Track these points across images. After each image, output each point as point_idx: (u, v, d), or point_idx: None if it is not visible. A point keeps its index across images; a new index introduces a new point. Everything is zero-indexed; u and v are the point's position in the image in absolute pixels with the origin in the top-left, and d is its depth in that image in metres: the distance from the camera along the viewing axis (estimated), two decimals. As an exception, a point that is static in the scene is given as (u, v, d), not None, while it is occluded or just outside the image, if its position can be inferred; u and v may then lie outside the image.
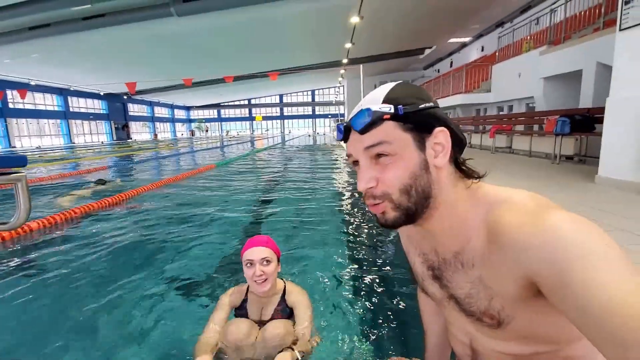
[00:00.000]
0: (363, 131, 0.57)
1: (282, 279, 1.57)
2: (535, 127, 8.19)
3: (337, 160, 9.75)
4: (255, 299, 1.48)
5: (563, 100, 8.04)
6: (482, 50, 17.52)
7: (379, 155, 0.57)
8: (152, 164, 10.77)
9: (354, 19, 10.99)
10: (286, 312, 1.48)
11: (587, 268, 0.42)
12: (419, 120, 0.56)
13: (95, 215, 4.04)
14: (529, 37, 9.78)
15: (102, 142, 30.82)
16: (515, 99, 9.89)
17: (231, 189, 5.56)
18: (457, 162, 0.61)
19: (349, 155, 0.62)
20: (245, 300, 1.50)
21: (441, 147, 0.57)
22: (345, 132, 0.61)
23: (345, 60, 18.58)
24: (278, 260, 1.47)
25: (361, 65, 7.49)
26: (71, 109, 30.07)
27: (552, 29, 8.33)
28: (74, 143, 29.06)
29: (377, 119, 0.56)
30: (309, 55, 22.15)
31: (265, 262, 1.40)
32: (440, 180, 0.58)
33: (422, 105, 0.57)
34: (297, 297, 1.50)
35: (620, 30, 3.73)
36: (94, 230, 3.46)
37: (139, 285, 2.22)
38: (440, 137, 0.57)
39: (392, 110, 0.56)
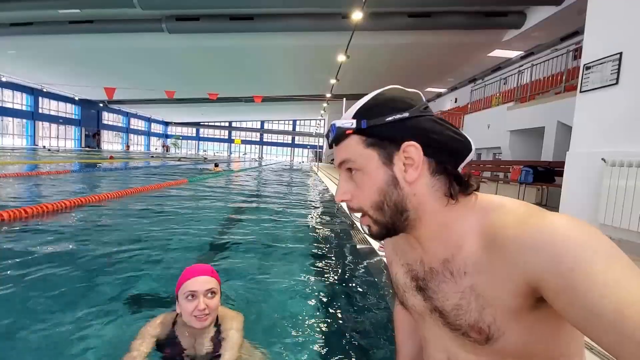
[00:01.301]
0: (331, 146, 0.60)
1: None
2: (501, 175, 8.70)
3: (308, 183, 9.79)
4: (187, 333, 1.26)
5: (527, 152, 8.66)
6: (456, 101, 18.83)
7: (350, 170, 0.59)
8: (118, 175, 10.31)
9: (341, 58, 11.55)
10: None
11: (593, 269, 0.40)
12: (385, 135, 0.55)
13: (44, 219, 3.75)
14: (498, 94, 10.65)
15: (45, 146, 29.24)
16: (484, 147, 10.53)
17: (200, 206, 5.39)
18: (450, 173, 0.56)
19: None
20: (174, 335, 1.27)
21: (411, 161, 0.54)
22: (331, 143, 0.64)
23: (328, 95, 19.24)
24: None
25: (344, 100, 7.81)
26: (40, 110, 28.72)
27: (518, 89, 9.15)
28: (36, 145, 27.47)
29: (340, 135, 0.57)
30: (293, 86, 22.79)
31: (210, 294, 1.22)
32: (418, 194, 0.55)
33: (391, 118, 0.54)
34: (232, 323, 1.31)
35: (580, 92, 4.14)
36: (37, 238, 3.19)
37: (90, 302, 2.03)
38: (410, 151, 0.54)
39: (354, 126, 0.56)
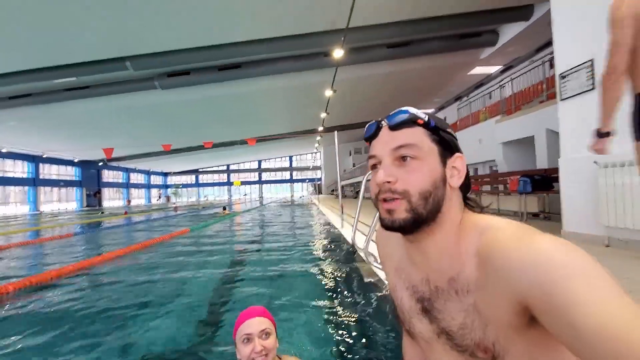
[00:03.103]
0: (396, 127, 0.60)
1: (277, 355, 1.33)
2: (501, 187, 8.71)
3: (311, 217, 9.75)
4: None
5: (522, 162, 8.73)
6: (445, 120, 19.24)
7: (404, 158, 0.59)
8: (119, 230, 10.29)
9: (328, 93, 11.97)
10: None
11: (576, 289, 0.42)
12: (445, 140, 0.62)
13: (56, 282, 3.71)
14: (484, 109, 10.92)
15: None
16: (479, 162, 10.63)
17: (205, 253, 5.34)
18: (464, 195, 0.65)
19: (372, 157, 0.64)
20: None
21: (457, 171, 0.62)
22: (375, 130, 0.64)
23: (320, 128, 19.69)
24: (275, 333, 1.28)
25: (336, 132, 8.00)
26: (41, 176, 29.18)
27: (503, 102, 9.40)
28: (38, 211, 27.62)
29: (411, 120, 0.60)
30: (285, 124, 23.39)
31: (264, 335, 1.21)
32: (452, 199, 0.61)
33: (449, 130, 0.64)
34: None
35: (561, 100, 4.28)
36: (51, 300, 3.15)
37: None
38: (458, 162, 0.62)
39: (427, 119, 0.61)
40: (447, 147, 0.62)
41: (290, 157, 51.18)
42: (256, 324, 1.22)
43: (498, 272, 0.51)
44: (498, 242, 0.52)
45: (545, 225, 5.60)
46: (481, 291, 0.55)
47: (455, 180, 0.61)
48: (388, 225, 0.60)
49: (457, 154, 0.63)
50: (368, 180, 2.97)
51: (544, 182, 5.86)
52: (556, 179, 5.33)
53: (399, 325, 0.74)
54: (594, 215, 3.76)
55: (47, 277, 3.91)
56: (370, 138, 0.65)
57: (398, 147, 0.59)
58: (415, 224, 0.59)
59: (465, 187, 0.65)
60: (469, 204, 0.65)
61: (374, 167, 0.63)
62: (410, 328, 0.70)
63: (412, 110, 0.62)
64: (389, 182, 0.59)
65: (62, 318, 2.74)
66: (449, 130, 0.64)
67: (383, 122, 0.64)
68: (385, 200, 0.60)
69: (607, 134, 1.86)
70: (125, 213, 19.43)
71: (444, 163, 0.61)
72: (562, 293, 0.42)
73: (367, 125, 0.66)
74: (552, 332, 0.45)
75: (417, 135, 0.60)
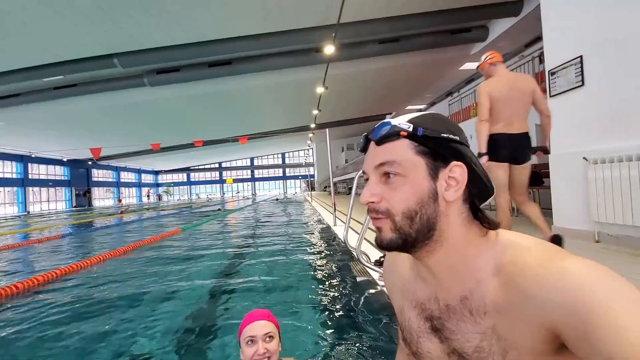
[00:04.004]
0: (380, 142, 0.57)
1: (280, 358, 1.36)
2: (493, 183, 8.78)
3: (303, 214, 9.73)
4: None
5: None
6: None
7: (388, 175, 0.56)
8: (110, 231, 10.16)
9: (320, 89, 11.91)
10: None
11: (613, 315, 0.39)
12: (436, 148, 0.55)
13: (47, 286, 3.64)
14: (475, 104, 10.97)
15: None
16: (471, 157, 10.69)
17: (198, 253, 5.29)
18: (474, 207, 0.58)
19: (363, 172, 0.61)
20: None
21: (455, 181, 0.55)
22: (364, 144, 0.61)
23: (312, 125, 19.63)
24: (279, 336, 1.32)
25: (327, 130, 7.97)
26: (30, 176, 28.63)
27: (494, 97, 9.44)
28: (28, 212, 27.11)
29: (393, 134, 0.56)
30: (277, 121, 23.26)
31: (268, 338, 1.25)
32: (450, 215, 0.55)
33: (445, 135, 0.55)
34: None
35: (550, 96, 4.30)
36: (43, 304, 3.08)
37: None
38: (456, 171, 0.55)
39: (411, 129, 0.55)
40: (441, 156, 0.55)
41: (283, 154, 51.03)
42: (260, 327, 1.26)
43: (527, 296, 0.47)
44: (525, 263, 0.48)
45: (535, 220, 5.65)
46: (504, 315, 0.50)
47: (452, 193, 0.55)
48: (378, 244, 0.58)
49: (453, 163, 0.55)
50: (360, 177, 2.95)
51: (535, 178, 5.91)
52: (546, 175, 5.39)
53: (396, 337, 0.71)
54: (584, 211, 3.80)
55: (35, 282, 3.83)
56: (364, 151, 0.62)
57: (379, 165, 0.56)
58: (405, 244, 0.56)
59: (477, 196, 0.58)
60: (481, 219, 0.57)
61: (367, 180, 0.61)
62: (417, 349, 0.65)
63: (395, 121, 0.57)
64: (372, 201, 0.57)
65: (63, 318, 2.68)
66: (445, 135, 0.56)
67: (371, 136, 0.60)
68: (373, 217, 0.58)
69: (484, 154, 2.95)
70: (121, 212, 19.34)
71: (434, 176, 0.55)
72: (599, 321, 0.40)
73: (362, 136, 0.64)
74: (585, 359, 0.42)
75: (399, 150, 0.55)
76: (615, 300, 0.40)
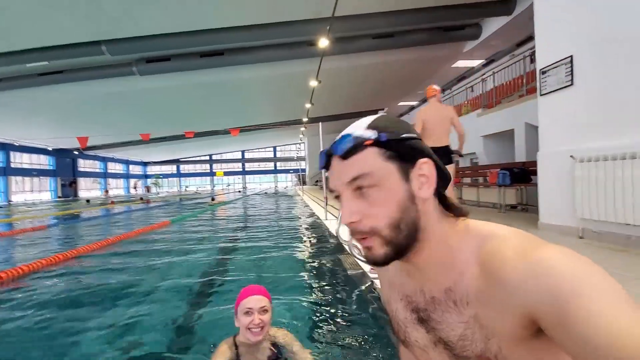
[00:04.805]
0: (344, 156, 0.54)
1: (271, 327, 1.60)
2: (481, 179, 8.93)
3: (294, 207, 9.75)
4: (249, 351, 1.48)
5: (501, 155, 8.96)
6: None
7: (361, 188, 0.54)
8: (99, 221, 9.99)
9: (313, 83, 11.84)
10: (281, 357, 1.52)
11: (588, 301, 0.41)
12: (401, 150, 0.54)
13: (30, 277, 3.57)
14: (466, 102, 11.09)
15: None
16: (461, 154, 10.84)
17: (187, 247, 5.25)
18: (441, 197, 0.59)
19: (331, 191, 0.58)
20: (238, 355, 1.49)
21: (425, 178, 0.55)
22: (326, 159, 0.58)
23: (305, 119, 19.54)
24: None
25: (320, 124, 7.93)
26: (12, 165, 27.82)
27: (484, 96, 9.57)
28: (10, 201, 26.42)
29: (358, 145, 0.54)
30: (270, 114, 23.08)
31: (263, 311, 1.45)
32: (428, 212, 0.56)
33: (405, 135, 0.55)
34: (285, 339, 1.58)
35: (541, 95, 4.37)
36: (26, 294, 3.03)
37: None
38: (425, 168, 0.55)
39: (375, 136, 0.54)
40: (408, 156, 0.55)
41: (275, 148, 50.72)
42: (257, 300, 1.45)
43: (506, 285, 0.48)
44: (503, 253, 0.50)
45: (522, 216, 5.78)
46: (485, 304, 0.52)
47: (425, 190, 0.55)
48: (372, 262, 0.56)
49: (420, 160, 0.55)
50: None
51: (523, 175, 6.03)
52: (534, 172, 5.50)
53: (393, 335, 0.72)
54: (569, 208, 3.90)
55: (21, 271, 3.75)
56: (325, 168, 0.59)
57: (352, 180, 0.54)
58: (399, 253, 0.56)
59: (441, 187, 0.59)
60: (449, 207, 0.59)
61: (338, 197, 0.58)
62: (405, 338, 0.68)
63: (357, 131, 0.55)
64: (353, 221, 0.55)
65: (48, 308, 2.64)
66: (405, 135, 0.55)
67: (333, 151, 0.57)
68: (358, 239, 0.57)
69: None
70: (112, 203, 19.14)
71: (406, 178, 0.54)
72: (575, 306, 0.41)
73: (319, 153, 0.60)
74: (561, 344, 0.44)
75: (369, 160, 0.54)
76: (590, 286, 0.42)
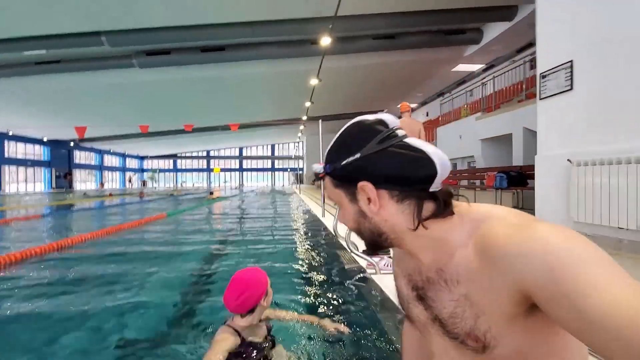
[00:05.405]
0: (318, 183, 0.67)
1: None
2: (477, 182, 8.97)
3: (291, 206, 9.75)
4: (251, 332, 1.53)
5: (499, 158, 9.01)
6: (427, 115, 19.50)
7: None
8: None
9: (313, 82, 11.84)
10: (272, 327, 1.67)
11: (582, 274, 0.42)
12: (344, 177, 0.61)
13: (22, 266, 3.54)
14: (466, 105, 11.15)
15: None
16: (458, 157, 10.88)
17: (182, 240, 5.24)
18: (424, 195, 0.57)
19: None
20: (242, 338, 1.51)
21: (369, 199, 0.59)
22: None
23: (304, 117, 19.52)
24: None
25: (320, 122, 7.91)
26: (6, 155, 27.54)
27: (484, 100, 9.62)
28: (3, 192, 26.16)
29: (317, 177, 0.67)
30: (269, 111, 23.02)
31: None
32: (389, 220, 0.59)
33: (345, 162, 0.59)
34: (274, 313, 1.85)
35: (540, 99, 4.41)
36: (17, 284, 3.01)
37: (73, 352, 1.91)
38: (365, 190, 0.58)
39: (322, 171, 0.64)
40: (350, 181, 0.60)
41: (273, 146, 50.62)
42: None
43: (496, 262, 0.50)
44: (495, 232, 0.51)
45: (517, 220, 5.82)
46: (476, 282, 0.54)
47: (373, 207, 0.59)
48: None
49: (360, 184, 0.58)
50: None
51: (520, 178, 6.08)
52: (531, 176, 5.54)
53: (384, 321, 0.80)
54: (565, 211, 3.94)
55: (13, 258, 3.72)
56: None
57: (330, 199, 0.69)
58: (374, 247, 0.66)
59: (415, 184, 0.57)
60: (439, 202, 0.57)
61: None
62: (408, 313, 0.72)
63: (315, 167, 0.66)
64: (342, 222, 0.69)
65: (41, 296, 2.62)
66: (344, 162, 0.59)
67: None
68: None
69: None
70: (110, 195, 19.19)
71: (354, 199, 0.62)
72: (569, 279, 0.42)
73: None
74: (556, 318, 0.44)
75: (328, 187, 0.66)
76: (582, 258, 0.43)
